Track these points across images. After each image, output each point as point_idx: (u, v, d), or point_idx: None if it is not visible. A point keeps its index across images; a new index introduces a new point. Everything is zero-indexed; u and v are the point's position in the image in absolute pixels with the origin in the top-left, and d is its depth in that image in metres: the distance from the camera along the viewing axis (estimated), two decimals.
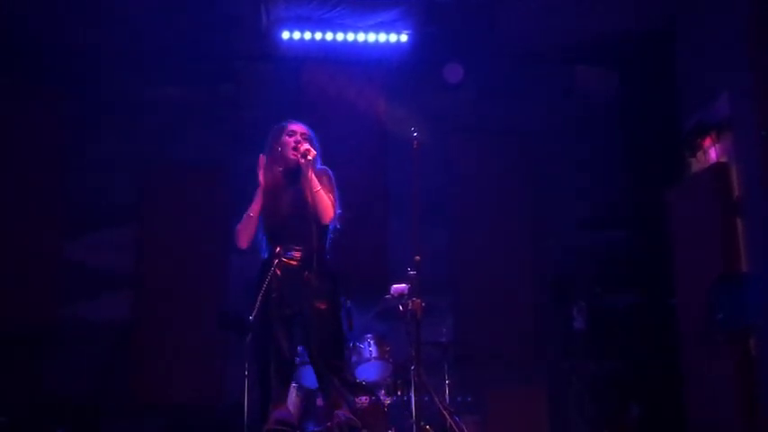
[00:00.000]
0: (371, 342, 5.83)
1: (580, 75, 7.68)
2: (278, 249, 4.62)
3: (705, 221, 6.08)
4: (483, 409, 6.44)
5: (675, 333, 6.45)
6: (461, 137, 7.49)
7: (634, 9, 6.64)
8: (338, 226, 4.83)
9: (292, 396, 5.49)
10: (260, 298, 4.49)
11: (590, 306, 6.96)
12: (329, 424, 4.60)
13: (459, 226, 7.32)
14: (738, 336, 5.68)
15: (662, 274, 6.65)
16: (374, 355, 5.79)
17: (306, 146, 4.70)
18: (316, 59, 7.21)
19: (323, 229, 4.74)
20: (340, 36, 6.96)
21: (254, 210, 4.72)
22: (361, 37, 6.98)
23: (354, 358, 5.81)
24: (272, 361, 4.60)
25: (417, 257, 4.52)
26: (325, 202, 4.67)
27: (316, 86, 7.29)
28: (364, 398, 5.49)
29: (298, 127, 4.85)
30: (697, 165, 6.46)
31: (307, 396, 5.69)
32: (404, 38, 6.98)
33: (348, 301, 5.58)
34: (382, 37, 6.98)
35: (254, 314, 4.47)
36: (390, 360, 5.82)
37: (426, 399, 5.01)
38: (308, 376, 5.21)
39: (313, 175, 4.65)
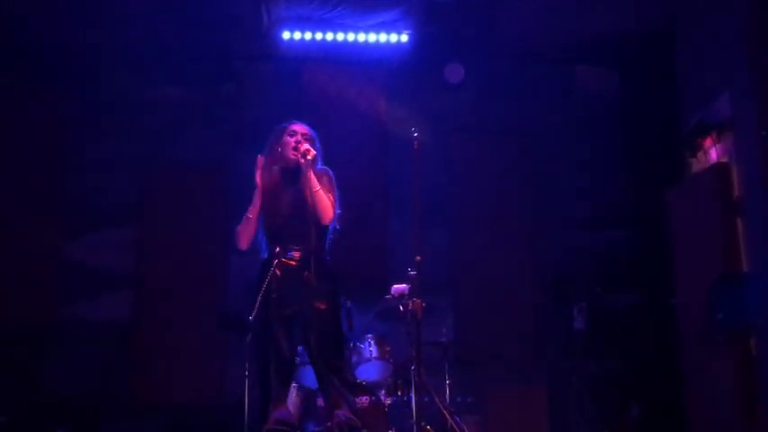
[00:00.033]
0: (372, 342, 5.82)
1: (580, 75, 7.68)
2: (277, 249, 4.62)
3: (705, 221, 6.08)
4: (483, 408, 6.43)
5: (675, 333, 6.45)
6: (461, 137, 7.49)
7: (634, 9, 6.64)
8: (338, 226, 4.84)
9: (292, 396, 5.48)
10: (260, 298, 4.49)
11: (590, 306, 6.96)
12: (329, 424, 4.61)
13: (459, 226, 7.32)
14: (739, 336, 5.68)
15: (662, 274, 6.65)
16: (374, 355, 5.78)
17: (306, 146, 4.71)
18: (316, 59, 7.21)
19: (322, 229, 4.74)
20: (340, 36, 6.95)
21: (252, 211, 4.72)
22: (361, 37, 6.97)
23: (355, 358, 5.81)
24: (272, 361, 4.61)
25: (418, 257, 4.53)
26: (325, 203, 4.67)
27: (316, 86, 7.29)
28: (364, 398, 5.49)
29: (299, 127, 4.86)
30: (697, 165, 6.46)
31: (307, 396, 5.68)
32: (404, 38, 6.98)
33: (348, 302, 5.58)
34: (383, 37, 6.98)
35: (253, 314, 4.47)
36: (391, 360, 5.82)
37: (427, 399, 5.02)
38: (309, 376, 5.21)
39: (313, 175, 4.66)
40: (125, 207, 7.09)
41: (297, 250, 4.66)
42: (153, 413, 6.66)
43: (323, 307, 4.63)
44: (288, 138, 4.81)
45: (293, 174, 4.76)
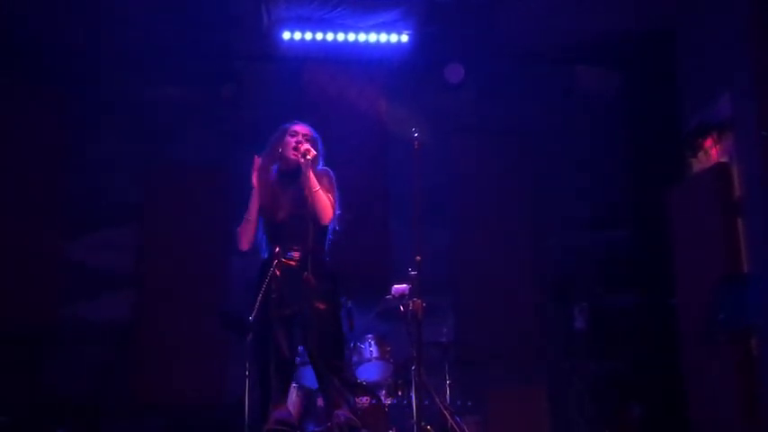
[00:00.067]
0: (372, 342, 5.82)
1: (580, 75, 7.68)
2: (277, 250, 4.62)
3: (706, 221, 6.08)
4: (483, 408, 6.43)
5: (676, 333, 6.45)
6: (462, 137, 7.48)
7: (634, 9, 6.64)
8: (337, 227, 4.83)
9: (293, 396, 5.48)
10: (259, 298, 4.49)
11: (591, 306, 6.96)
12: (329, 424, 4.61)
13: (459, 226, 7.31)
14: (739, 336, 5.69)
15: (663, 274, 6.65)
16: (375, 355, 5.78)
17: (306, 146, 4.71)
18: (316, 60, 7.21)
19: (322, 229, 4.74)
20: (341, 36, 6.95)
21: (251, 212, 4.73)
22: (361, 37, 6.97)
23: (355, 358, 5.81)
24: (272, 361, 4.61)
25: (418, 257, 4.53)
26: (324, 202, 4.68)
27: (316, 86, 7.29)
28: (365, 398, 5.50)
29: (301, 128, 4.87)
30: (698, 165, 6.47)
31: (307, 396, 5.68)
32: (404, 38, 6.98)
33: (349, 302, 5.60)
34: (383, 37, 6.98)
35: (253, 314, 4.47)
36: (391, 360, 5.82)
37: (427, 400, 5.01)
38: (309, 376, 5.20)
39: (312, 175, 4.66)
40: (125, 207, 7.09)
41: (296, 250, 4.66)
42: (153, 413, 6.66)
43: (323, 307, 4.64)
44: (289, 138, 4.82)
45: (294, 174, 4.76)
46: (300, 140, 4.77)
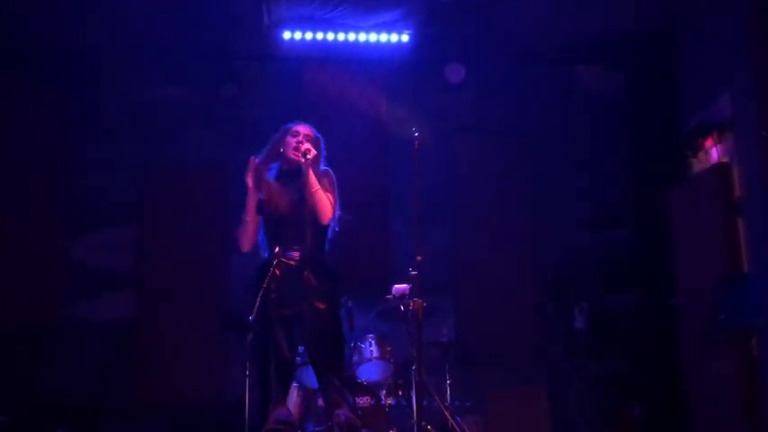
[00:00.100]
0: (373, 342, 5.82)
1: (580, 75, 7.68)
2: (277, 249, 4.62)
3: (706, 222, 6.08)
4: (484, 408, 6.42)
5: (676, 333, 6.45)
6: (462, 137, 7.48)
7: (634, 9, 6.64)
8: (337, 228, 4.83)
9: (293, 396, 5.48)
10: (259, 298, 4.48)
11: (591, 306, 6.96)
12: (329, 424, 4.61)
13: (459, 226, 7.31)
14: (740, 336, 5.69)
15: (663, 275, 6.65)
16: (375, 355, 5.78)
17: (306, 145, 4.71)
18: (317, 59, 7.21)
19: (321, 229, 4.74)
20: (341, 36, 6.95)
21: (248, 213, 4.72)
22: (362, 37, 6.97)
23: (356, 358, 5.80)
24: (273, 361, 4.60)
25: (418, 257, 4.53)
26: (324, 202, 4.68)
27: (317, 86, 7.28)
28: (365, 398, 5.50)
29: (302, 128, 4.88)
30: (698, 165, 6.47)
31: (308, 396, 5.68)
32: (405, 38, 6.98)
33: (349, 302, 5.59)
34: (383, 37, 6.98)
35: (253, 314, 4.46)
36: (392, 360, 5.82)
37: (426, 400, 5.01)
38: (309, 376, 5.20)
39: (313, 175, 4.67)
40: (125, 207, 7.09)
41: (297, 250, 4.66)
42: (153, 413, 6.66)
43: (322, 307, 4.63)
44: (290, 138, 4.82)
45: (295, 174, 4.76)
46: (301, 140, 4.77)
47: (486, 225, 7.26)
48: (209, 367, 6.79)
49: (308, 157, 4.65)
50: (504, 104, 7.42)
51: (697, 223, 6.19)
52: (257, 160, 4.77)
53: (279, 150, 4.83)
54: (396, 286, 4.94)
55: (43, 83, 6.94)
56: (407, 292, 4.79)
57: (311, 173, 4.66)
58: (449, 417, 4.96)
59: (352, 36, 6.96)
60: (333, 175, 4.85)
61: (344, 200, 4.86)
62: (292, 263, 4.65)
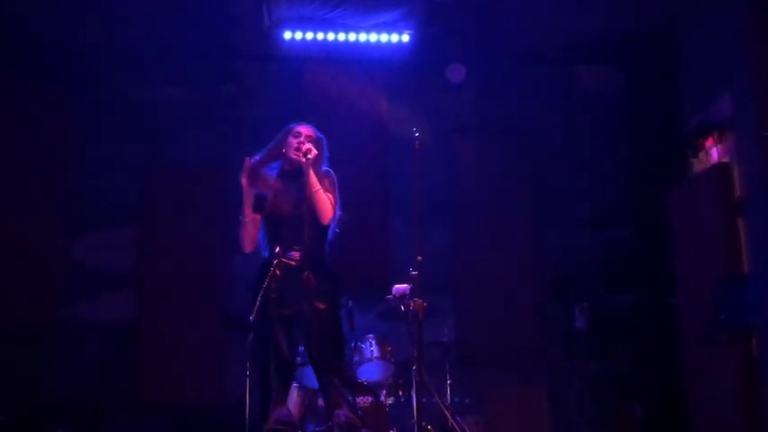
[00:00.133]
0: (373, 342, 5.82)
1: (580, 75, 7.68)
2: (278, 249, 4.61)
3: (706, 222, 6.08)
4: (484, 408, 6.43)
5: (676, 333, 6.45)
6: (462, 137, 7.48)
7: (634, 9, 6.64)
8: (337, 230, 4.83)
9: (293, 396, 5.48)
10: (259, 298, 4.49)
11: (591, 306, 6.96)
12: (330, 424, 4.61)
13: (459, 226, 7.31)
14: (740, 336, 5.69)
15: (663, 275, 6.65)
16: (376, 355, 5.78)
17: (307, 146, 4.71)
18: (317, 59, 7.21)
19: (321, 229, 4.75)
20: (342, 36, 6.95)
21: (246, 214, 4.71)
22: (362, 37, 6.96)
23: (356, 358, 5.80)
24: (273, 361, 4.61)
25: (419, 257, 4.53)
26: (324, 203, 4.68)
27: (317, 86, 7.28)
28: (365, 398, 5.50)
29: (304, 129, 4.88)
30: (699, 165, 6.47)
31: (308, 396, 5.68)
32: (405, 38, 6.97)
33: (350, 302, 5.59)
34: (384, 37, 6.97)
35: (253, 314, 4.47)
36: (392, 360, 5.82)
37: (426, 399, 5.01)
38: (310, 376, 5.20)
39: (313, 175, 4.68)
40: (125, 207, 7.09)
41: (297, 250, 4.66)
42: (153, 413, 6.66)
43: (322, 307, 4.64)
44: (292, 139, 4.82)
45: (296, 174, 4.76)
46: (303, 141, 4.78)
47: (486, 225, 7.26)
48: (209, 367, 6.79)
49: (309, 156, 4.66)
50: (504, 104, 7.42)
51: (697, 223, 6.19)
52: (252, 160, 4.77)
53: (281, 150, 4.84)
54: (396, 286, 4.94)
55: (43, 83, 6.94)
56: (408, 292, 4.78)
57: (312, 173, 4.67)
58: (449, 417, 4.96)
59: (352, 36, 6.96)
60: (334, 176, 4.85)
61: (345, 200, 4.87)
62: (293, 263, 4.65)
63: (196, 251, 6.96)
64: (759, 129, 5.46)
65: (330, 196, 4.75)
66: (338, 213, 4.81)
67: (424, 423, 4.83)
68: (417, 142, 4.72)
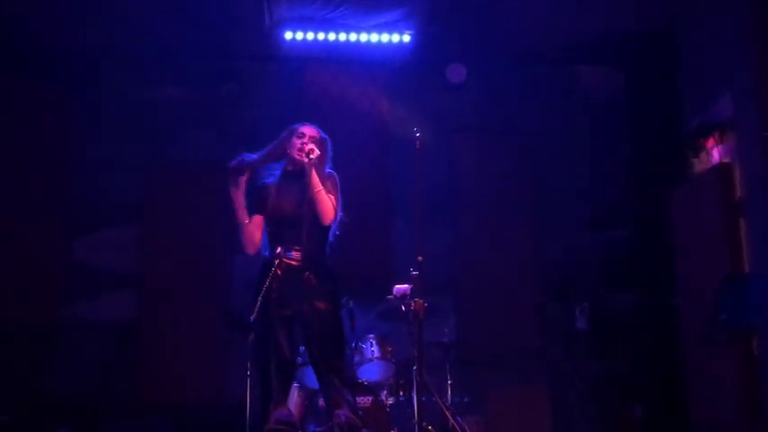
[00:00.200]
0: (374, 342, 5.82)
1: (581, 75, 7.69)
2: (279, 249, 4.61)
3: (707, 222, 6.08)
4: (484, 408, 6.43)
5: (677, 333, 6.45)
6: (463, 137, 7.48)
7: (634, 9, 6.64)
8: (337, 232, 4.83)
9: (294, 396, 5.49)
10: (260, 298, 4.49)
11: (592, 306, 6.96)
12: (330, 424, 4.61)
13: (460, 226, 7.31)
14: (740, 336, 5.69)
15: (664, 275, 6.65)
16: (376, 355, 5.78)
17: (310, 146, 4.71)
18: (318, 60, 7.21)
19: (323, 229, 4.74)
20: (343, 36, 6.95)
21: (242, 216, 4.70)
22: (363, 37, 6.96)
23: (357, 358, 5.80)
24: (273, 361, 4.61)
25: (420, 258, 4.53)
26: (326, 203, 4.67)
27: (318, 86, 7.28)
28: (366, 398, 5.50)
29: (308, 129, 4.87)
30: (700, 165, 6.47)
31: (309, 396, 5.68)
32: (406, 38, 6.97)
33: (351, 302, 5.59)
34: (385, 37, 6.97)
35: (254, 314, 4.46)
36: (393, 360, 5.82)
37: (427, 399, 5.01)
38: (310, 376, 5.20)
39: (315, 176, 4.67)
40: (126, 207, 7.09)
41: (298, 250, 4.66)
42: (154, 413, 6.66)
43: (323, 307, 4.64)
44: (296, 139, 4.81)
45: (299, 175, 4.75)
46: (306, 142, 4.77)
47: (486, 225, 7.26)
48: (209, 367, 6.79)
49: (311, 157, 4.65)
50: (505, 104, 7.42)
51: (698, 223, 6.19)
52: (248, 159, 4.75)
53: (284, 151, 4.84)
54: (397, 286, 4.94)
55: (43, 83, 6.94)
56: (408, 292, 4.79)
57: (314, 173, 4.66)
58: (450, 417, 4.96)
59: (353, 36, 6.96)
60: (337, 178, 4.84)
61: (345, 200, 4.86)
62: (294, 263, 4.65)
63: (196, 251, 6.96)
64: (760, 129, 5.46)
65: (332, 198, 4.74)
66: (340, 215, 4.81)
67: (424, 423, 4.83)
68: (418, 142, 4.72)
